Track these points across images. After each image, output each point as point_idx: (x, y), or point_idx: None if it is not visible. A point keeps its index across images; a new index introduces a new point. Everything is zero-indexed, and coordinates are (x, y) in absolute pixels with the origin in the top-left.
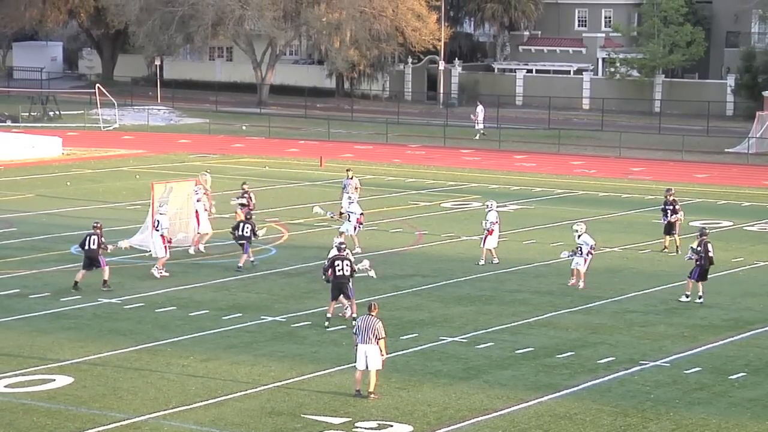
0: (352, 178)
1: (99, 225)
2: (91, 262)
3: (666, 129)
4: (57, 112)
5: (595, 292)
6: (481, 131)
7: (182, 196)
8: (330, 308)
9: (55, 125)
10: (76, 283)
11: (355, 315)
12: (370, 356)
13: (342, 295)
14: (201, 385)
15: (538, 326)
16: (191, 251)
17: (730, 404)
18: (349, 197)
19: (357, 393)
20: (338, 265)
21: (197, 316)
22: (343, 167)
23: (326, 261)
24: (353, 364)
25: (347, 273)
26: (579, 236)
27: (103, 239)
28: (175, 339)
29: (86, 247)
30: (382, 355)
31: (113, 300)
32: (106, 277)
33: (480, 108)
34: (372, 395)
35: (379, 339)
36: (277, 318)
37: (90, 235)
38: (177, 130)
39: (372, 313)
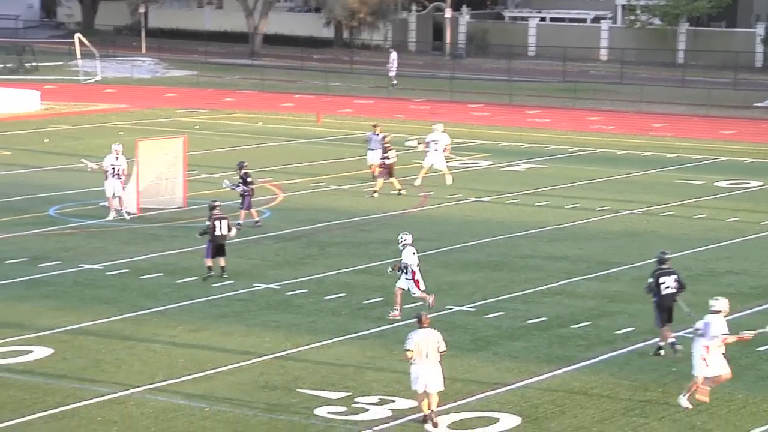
0: (378, 134)
1: (219, 204)
2: (221, 249)
3: (690, 82)
4: (34, 64)
5: (614, 257)
6: (392, 80)
7: (169, 155)
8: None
9: (33, 78)
10: (210, 268)
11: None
12: (432, 377)
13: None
14: (190, 357)
15: (552, 294)
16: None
17: (757, 378)
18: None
19: (425, 419)
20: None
21: (185, 283)
22: (342, 123)
23: None
24: (353, 335)
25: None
26: (403, 248)
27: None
28: (162, 308)
29: (217, 233)
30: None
31: (95, 266)
32: (223, 264)
33: (394, 55)
34: (432, 416)
35: (442, 353)
36: (270, 285)
37: (220, 218)
38: (163, 83)
39: (425, 324)
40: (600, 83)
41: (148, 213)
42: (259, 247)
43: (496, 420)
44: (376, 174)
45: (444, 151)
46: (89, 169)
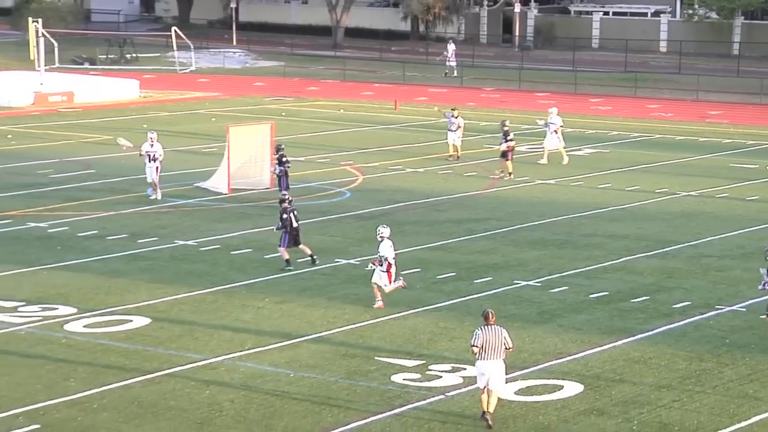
0: (457, 117)
1: (288, 197)
2: (296, 239)
3: (744, 72)
4: (134, 55)
5: (671, 236)
6: (446, 70)
7: (258, 140)
8: None
9: (132, 68)
10: (288, 261)
11: None
12: (495, 374)
13: None
14: (276, 327)
15: (613, 270)
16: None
17: None
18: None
19: (483, 415)
20: None
21: (272, 258)
22: (418, 110)
23: None
24: (427, 307)
25: None
26: (381, 241)
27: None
28: (251, 281)
29: (293, 225)
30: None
31: (189, 242)
32: (309, 252)
33: (452, 46)
34: (488, 416)
35: (507, 349)
36: (351, 261)
37: (291, 211)
38: (252, 73)
39: (491, 322)
40: (659, 73)
41: (238, 193)
42: (340, 225)
43: (561, 387)
44: (457, 155)
45: (555, 132)
46: (124, 148)
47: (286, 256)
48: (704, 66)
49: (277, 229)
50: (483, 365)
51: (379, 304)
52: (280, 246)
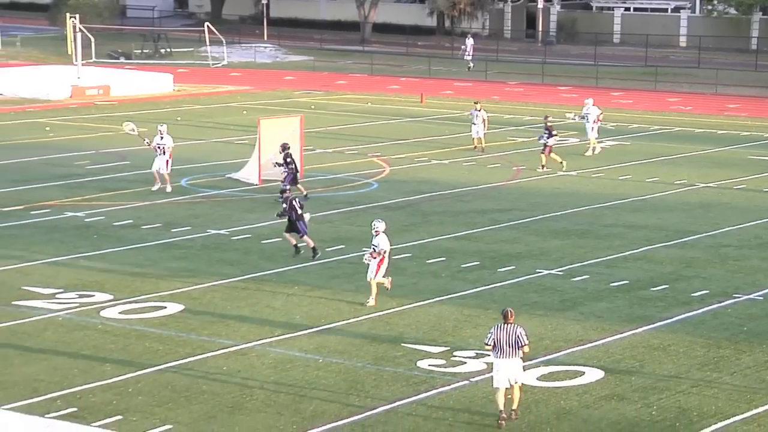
0: (480, 110)
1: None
2: (295, 226)
3: (762, 66)
4: (168, 50)
5: (690, 226)
6: (469, 64)
7: (288, 132)
8: None
9: (166, 62)
10: (296, 246)
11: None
12: (513, 371)
13: None
14: (305, 313)
15: (633, 260)
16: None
17: None
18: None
19: (500, 414)
20: None
21: (301, 247)
22: (443, 103)
23: None
24: (452, 295)
25: None
26: (376, 235)
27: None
28: (281, 269)
29: (298, 212)
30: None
31: (221, 231)
32: (312, 244)
33: (470, 41)
34: (514, 414)
35: (523, 347)
36: None
37: (293, 199)
38: (282, 67)
39: (510, 321)
40: (679, 68)
41: (268, 184)
42: (367, 215)
43: (582, 373)
44: (482, 147)
45: (595, 122)
46: (132, 131)
47: (292, 241)
48: (723, 60)
49: (278, 216)
50: (498, 363)
51: (371, 302)
52: (297, 234)
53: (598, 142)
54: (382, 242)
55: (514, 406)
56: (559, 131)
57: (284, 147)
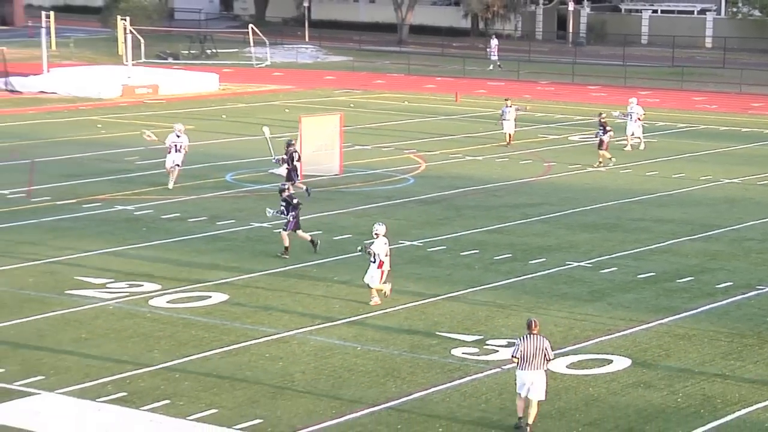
0: (510, 106)
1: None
2: (298, 223)
3: None
4: (214, 51)
5: (715, 221)
6: (497, 63)
7: (328, 129)
8: None
9: (212, 62)
10: (286, 248)
11: None
12: (536, 384)
13: None
14: (344, 304)
15: (660, 252)
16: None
17: None
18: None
19: (519, 422)
20: None
21: (340, 240)
22: (477, 102)
23: None
24: (484, 286)
25: None
26: (376, 238)
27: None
28: (321, 261)
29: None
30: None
31: (264, 224)
32: (310, 238)
33: (495, 42)
34: (529, 429)
35: (549, 361)
36: (414, 242)
37: (292, 197)
38: (323, 67)
39: (534, 331)
40: (705, 68)
41: (309, 179)
42: (404, 210)
43: (610, 361)
44: (509, 142)
45: (637, 120)
46: (148, 139)
47: (287, 243)
48: (747, 61)
49: (277, 213)
50: (523, 375)
51: (375, 301)
52: (284, 230)
53: (644, 139)
54: (376, 246)
55: (530, 420)
56: (580, 128)
57: (289, 143)
